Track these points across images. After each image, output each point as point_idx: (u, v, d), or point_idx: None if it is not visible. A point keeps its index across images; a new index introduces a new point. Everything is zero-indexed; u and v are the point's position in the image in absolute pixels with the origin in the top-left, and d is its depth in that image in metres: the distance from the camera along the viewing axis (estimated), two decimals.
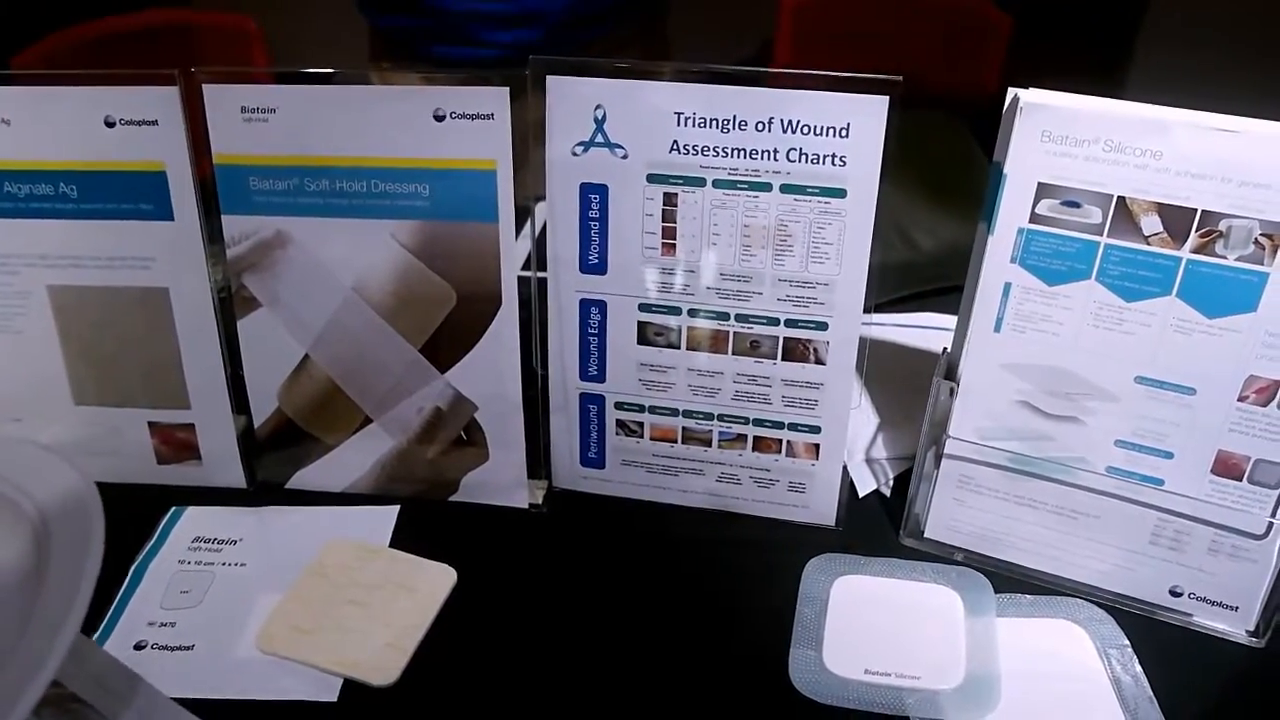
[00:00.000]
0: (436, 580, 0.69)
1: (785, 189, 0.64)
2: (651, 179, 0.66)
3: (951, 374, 0.68)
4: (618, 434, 0.74)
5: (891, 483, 0.78)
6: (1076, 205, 0.61)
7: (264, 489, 0.77)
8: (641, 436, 0.74)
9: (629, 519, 0.75)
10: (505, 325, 0.70)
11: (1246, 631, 0.66)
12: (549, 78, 0.65)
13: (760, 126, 0.63)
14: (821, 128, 0.62)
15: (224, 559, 0.71)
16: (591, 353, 0.72)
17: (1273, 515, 0.63)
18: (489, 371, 0.71)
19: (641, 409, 0.73)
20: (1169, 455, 0.64)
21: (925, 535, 0.73)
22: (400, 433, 0.74)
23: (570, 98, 0.65)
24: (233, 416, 0.75)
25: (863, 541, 0.73)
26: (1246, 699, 0.64)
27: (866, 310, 0.67)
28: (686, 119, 0.64)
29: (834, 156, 0.63)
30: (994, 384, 0.67)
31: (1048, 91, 0.61)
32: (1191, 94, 0.61)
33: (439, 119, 0.65)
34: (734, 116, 0.63)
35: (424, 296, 0.69)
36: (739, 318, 0.68)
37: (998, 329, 0.66)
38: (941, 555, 0.72)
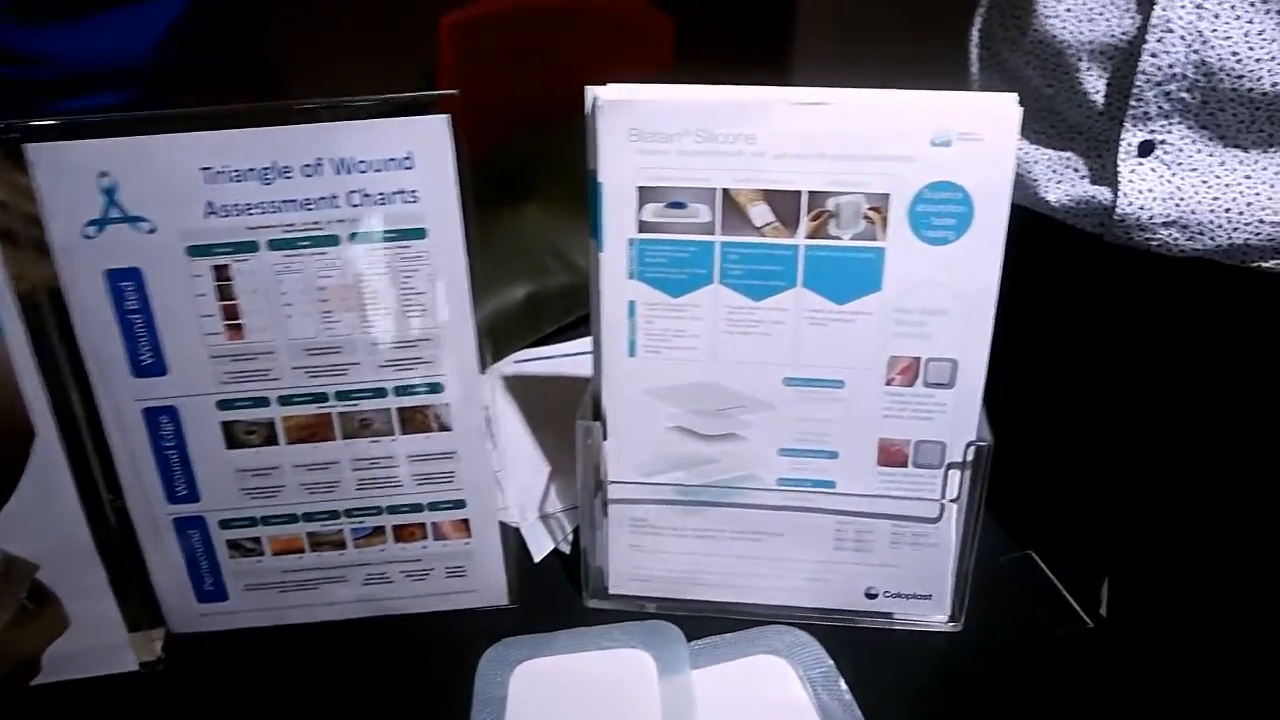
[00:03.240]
0: None
1: (356, 239, 0.54)
2: (192, 252, 0.54)
3: (598, 412, 0.60)
4: (233, 556, 0.61)
5: (570, 538, 0.69)
6: (682, 206, 0.55)
7: None
8: (261, 554, 0.61)
9: (269, 650, 0.62)
10: (49, 459, 0.55)
11: (944, 617, 0.63)
12: (27, 146, 0.51)
13: (309, 170, 0.53)
14: (380, 161, 0.53)
15: None
16: (174, 469, 0.58)
17: (942, 496, 0.60)
18: (41, 519, 0.56)
19: (253, 522, 0.60)
20: (834, 455, 0.60)
21: (611, 592, 0.65)
22: None
23: (64, 168, 0.52)
24: None
25: (546, 613, 0.64)
26: (953, 687, 0.61)
27: (497, 356, 0.58)
28: (218, 174, 0.52)
29: (402, 193, 0.53)
30: (642, 414, 0.60)
31: (628, 86, 0.54)
32: (862, 72, 0.56)
33: None
34: (274, 163, 0.52)
35: None
36: (340, 395, 0.58)
37: (632, 353, 0.58)
38: (633, 610, 0.64)
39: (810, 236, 0.55)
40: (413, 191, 0.53)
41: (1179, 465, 0.71)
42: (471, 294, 0.56)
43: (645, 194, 0.55)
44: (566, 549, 0.69)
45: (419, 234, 0.54)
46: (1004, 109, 0.52)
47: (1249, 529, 0.69)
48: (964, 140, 0.52)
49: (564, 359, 0.85)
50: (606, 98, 0.54)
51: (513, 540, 0.65)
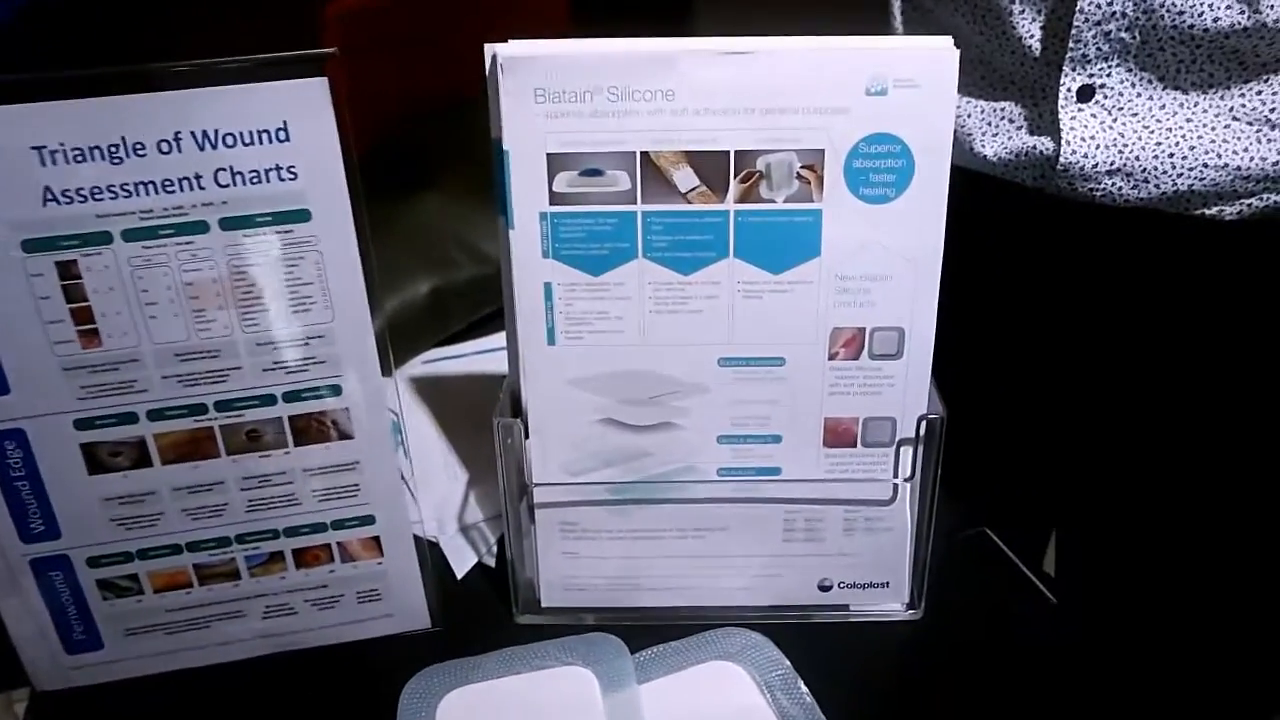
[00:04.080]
0: None
1: (227, 225, 0.47)
2: (30, 247, 0.46)
3: (517, 408, 0.55)
4: (106, 598, 0.53)
5: (495, 550, 0.63)
6: (599, 173, 0.50)
7: None
8: (140, 593, 0.54)
9: (157, 702, 0.55)
10: None
11: (902, 605, 0.59)
12: None
13: (166, 146, 0.45)
14: (249, 134, 0.46)
15: None
16: (26, 503, 0.50)
17: (895, 475, 0.55)
18: None
19: (128, 557, 0.53)
20: (777, 439, 0.55)
21: (543, 605, 0.59)
22: None
23: None
24: None
25: (474, 635, 0.58)
26: (917, 678, 0.57)
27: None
28: (54, 154, 0.45)
29: (278, 169, 0.47)
30: (566, 407, 0.54)
31: (531, 41, 0.49)
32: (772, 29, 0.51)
33: None
34: (124, 139, 0.45)
35: None
36: (221, 405, 0.50)
37: (551, 341, 0.53)
38: (570, 624, 0.58)
39: (740, 201, 0.50)
40: (290, 167, 0.47)
41: (1131, 421, 0.68)
42: (368, 282, 0.50)
43: (556, 161, 0.49)
44: (492, 562, 0.62)
45: (302, 216, 0.48)
46: (941, 52, 0.48)
47: (1206, 487, 0.67)
48: (900, 88, 0.48)
49: (476, 356, 0.78)
50: (507, 54, 0.48)
51: (431, 557, 0.59)
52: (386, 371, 0.52)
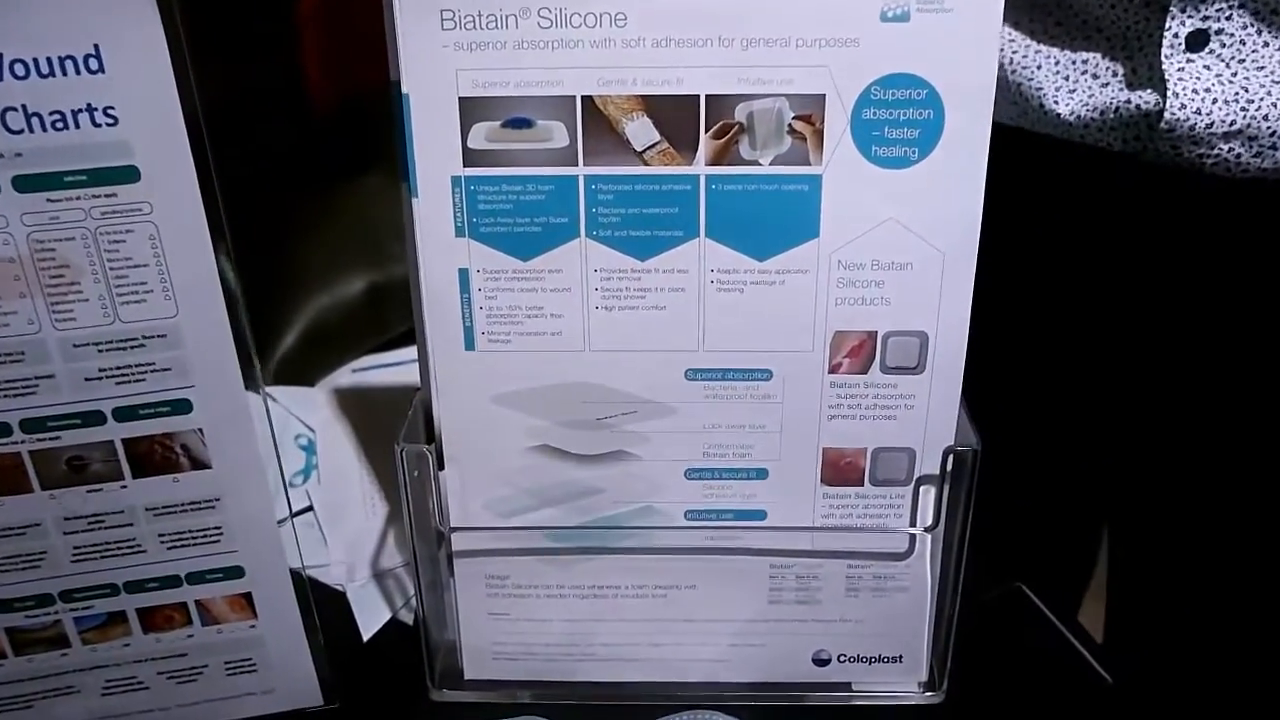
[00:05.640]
0: None
1: (23, 185, 0.35)
2: None
3: (431, 432, 0.43)
4: None
5: (416, 603, 0.51)
6: (528, 124, 0.38)
7: None
8: None
9: None
10: None
11: (919, 684, 0.47)
12: None
13: None
14: (47, 61, 0.34)
15: None
16: None
17: (913, 523, 0.43)
18: None
19: None
20: (762, 474, 0.43)
21: (467, 678, 0.47)
22: None
23: None
24: None
25: (380, 714, 0.46)
26: None
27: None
28: None
29: (90, 110, 0.35)
30: (491, 431, 0.42)
31: None
32: None
33: None
34: None
35: None
36: (29, 425, 0.38)
37: (470, 345, 0.41)
38: (500, 702, 0.46)
39: (714, 162, 0.38)
40: (108, 109, 0.35)
41: (1226, 458, 0.55)
42: (222, 264, 0.38)
43: (472, 108, 0.38)
44: (410, 618, 0.51)
45: (127, 175, 0.36)
46: None
47: None
48: (926, 11, 0.36)
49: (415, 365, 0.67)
50: None
51: (331, 613, 0.47)
52: (253, 383, 0.40)
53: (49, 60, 0.34)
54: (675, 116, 0.37)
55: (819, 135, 0.37)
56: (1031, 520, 0.62)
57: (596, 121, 0.38)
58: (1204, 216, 0.50)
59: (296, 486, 0.58)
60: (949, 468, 0.42)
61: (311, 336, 0.70)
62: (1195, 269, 0.52)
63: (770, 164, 0.38)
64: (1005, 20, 0.55)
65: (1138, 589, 0.64)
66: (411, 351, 0.70)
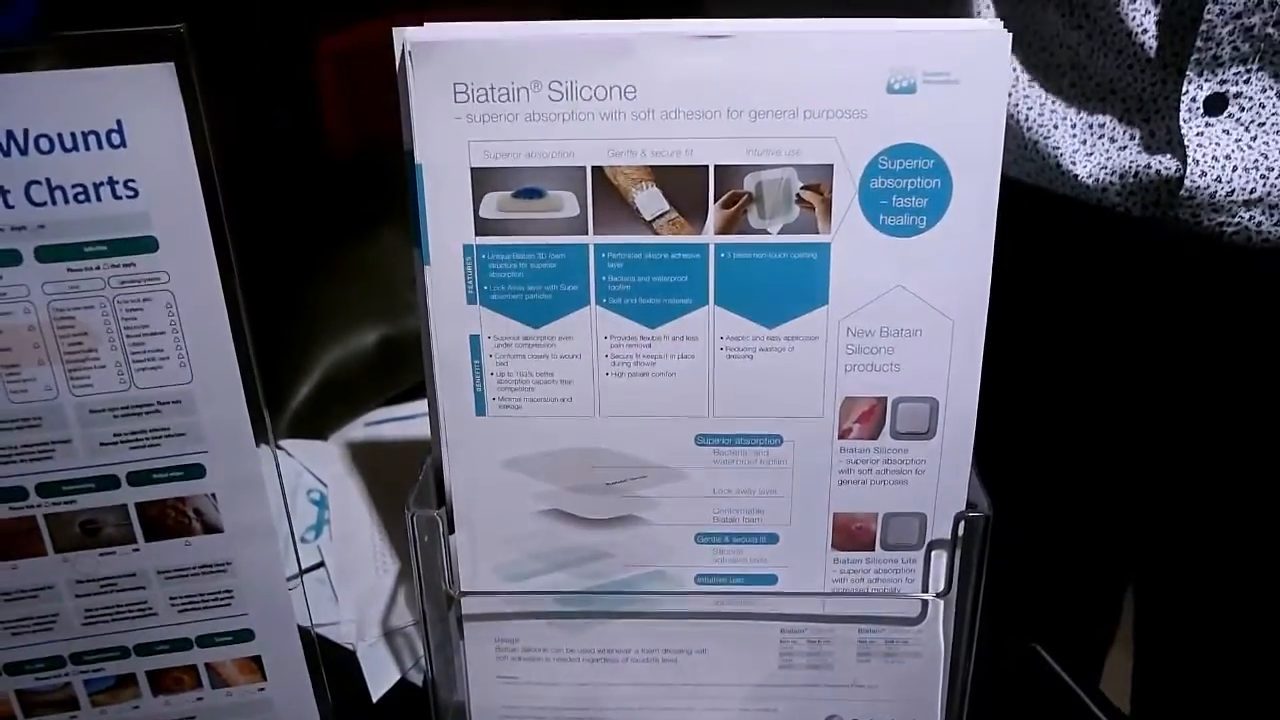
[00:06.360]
0: None
1: (46, 255, 0.36)
2: None
3: (442, 495, 0.43)
4: None
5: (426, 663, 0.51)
6: (539, 194, 0.38)
7: None
8: None
9: None
10: None
11: None
12: None
13: None
14: (72, 136, 0.35)
15: None
16: None
17: (925, 588, 0.43)
18: None
19: None
20: (772, 539, 0.43)
21: None
22: None
23: None
24: None
25: None
26: None
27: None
28: None
29: (112, 184, 0.36)
30: (501, 495, 0.42)
31: (451, 23, 0.38)
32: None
33: None
34: None
35: None
36: (44, 489, 0.39)
37: (481, 410, 0.41)
38: None
39: (723, 230, 0.38)
40: (128, 181, 0.36)
41: (1247, 521, 0.54)
42: (238, 331, 0.38)
43: (483, 179, 0.38)
44: (420, 679, 0.50)
45: (146, 245, 0.37)
46: (987, 36, 0.37)
47: None
48: (933, 83, 0.37)
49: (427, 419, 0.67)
50: (419, 39, 0.37)
51: (341, 673, 0.47)
52: (265, 440, 0.40)
53: (73, 135, 0.35)
54: (684, 186, 0.38)
55: (827, 204, 0.38)
56: (1048, 579, 0.61)
57: (606, 191, 0.38)
58: (1223, 284, 0.50)
59: (308, 542, 0.58)
60: (961, 533, 0.42)
61: (324, 388, 0.70)
62: (1212, 335, 0.52)
63: (779, 233, 0.38)
64: (1021, 79, 0.55)
65: (1164, 646, 0.63)
66: (423, 405, 0.70)
